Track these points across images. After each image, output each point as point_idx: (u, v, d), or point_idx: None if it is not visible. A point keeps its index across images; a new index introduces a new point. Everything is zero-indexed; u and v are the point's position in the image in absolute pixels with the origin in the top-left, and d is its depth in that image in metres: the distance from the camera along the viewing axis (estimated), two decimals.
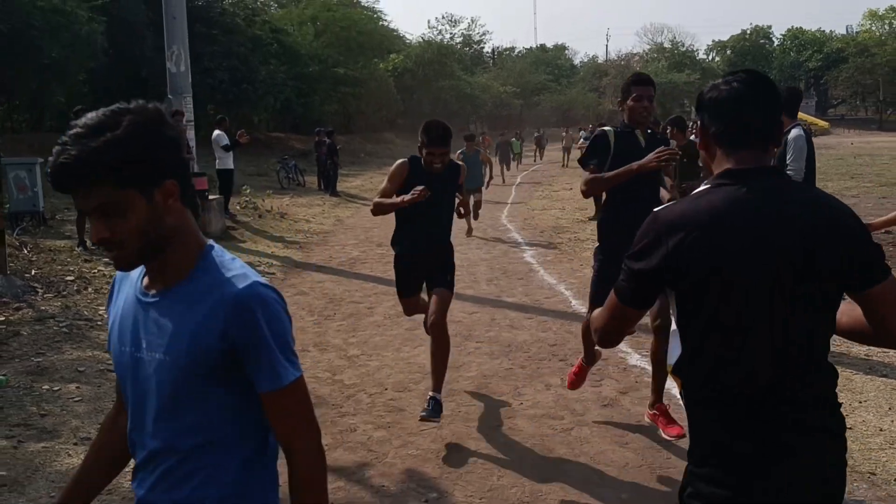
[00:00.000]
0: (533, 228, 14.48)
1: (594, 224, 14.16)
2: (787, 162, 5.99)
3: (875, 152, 35.89)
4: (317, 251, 12.38)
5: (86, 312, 7.46)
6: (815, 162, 6.26)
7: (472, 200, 15.22)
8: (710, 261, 1.68)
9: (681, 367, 1.82)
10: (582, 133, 33.07)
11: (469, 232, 13.22)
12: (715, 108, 1.81)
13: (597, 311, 2.01)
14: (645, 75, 4.77)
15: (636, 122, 4.55)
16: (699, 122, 1.87)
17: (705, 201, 1.74)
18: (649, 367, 6.06)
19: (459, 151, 12.60)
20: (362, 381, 5.96)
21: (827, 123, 69.54)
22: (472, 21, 69.38)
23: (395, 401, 5.50)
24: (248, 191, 16.61)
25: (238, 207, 15.47)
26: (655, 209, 1.80)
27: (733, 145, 1.78)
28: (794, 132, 6.08)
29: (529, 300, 8.59)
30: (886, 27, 77.36)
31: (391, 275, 9.88)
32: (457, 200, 5.36)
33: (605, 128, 4.83)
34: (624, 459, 4.46)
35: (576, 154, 34.15)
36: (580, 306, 8.21)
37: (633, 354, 6.47)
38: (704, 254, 1.68)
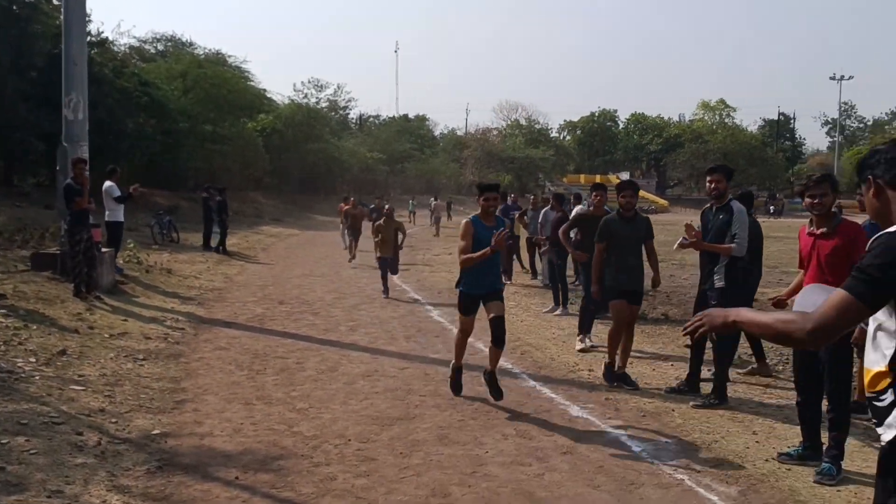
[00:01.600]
0: (429, 289, 14.80)
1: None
2: (735, 231, 6.75)
3: None
4: (218, 307, 12.10)
5: (2, 364, 7.00)
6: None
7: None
8: None
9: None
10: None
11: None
12: (888, 161, 2.37)
13: (818, 310, 2.26)
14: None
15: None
16: (871, 178, 2.38)
17: None
18: (592, 418, 6.46)
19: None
20: (322, 432, 5.97)
21: (666, 202, 75.11)
22: (339, 87, 69.75)
23: (364, 451, 5.56)
24: (132, 245, 15.97)
25: (121, 261, 14.85)
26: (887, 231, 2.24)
27: None
28: (737, 206, 6.90)
29: (454, 357, 8.82)
30: (717, 117, 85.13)
31: (305, 331, 10.01)
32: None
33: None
34: (602, 500, 4.76)
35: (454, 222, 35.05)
36: (503, 362, 8.54)
37: (573, 406, 6.84)
38: None
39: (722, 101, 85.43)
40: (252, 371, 7.92)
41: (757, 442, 5.90)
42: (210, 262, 18.20)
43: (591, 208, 9.43)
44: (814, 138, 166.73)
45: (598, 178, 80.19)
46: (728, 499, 4.80)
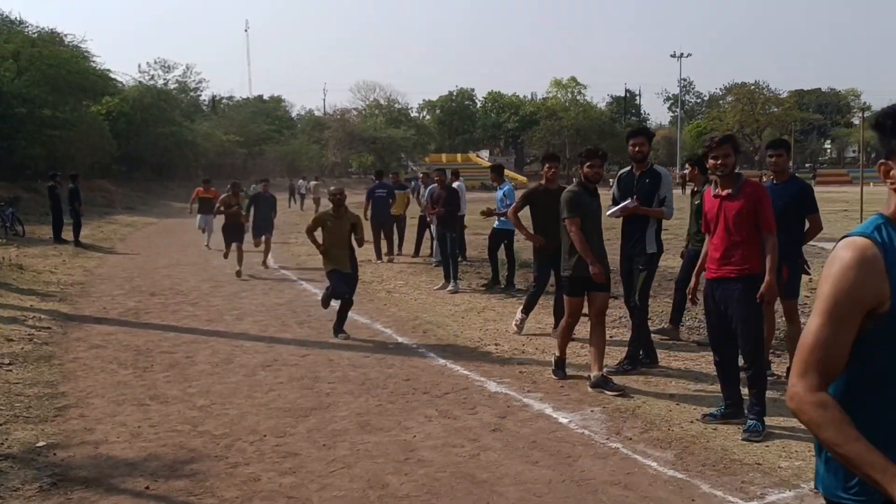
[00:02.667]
0: (312, 270, 14.26)
1: (378, 266, 14.17)
2: (664, 195, 6.82)
3: None
4: (84, 303, 11.10)
5: None
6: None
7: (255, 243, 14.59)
8: None
9: None
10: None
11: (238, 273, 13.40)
12: None
13: None
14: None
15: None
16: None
17: None
18: (512, 392, 6.32)
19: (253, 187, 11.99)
20: (232, 429, 5.50)
21: (525, 178, 76.92)
22: (188, 68, 66.40)
23: (283, 446, 5.15)
24: None
25: None
26: None
27: None
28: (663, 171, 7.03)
29: (353, 340, 8.48)
30: (569, 94, 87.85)
31: (188, 323, 9.35)
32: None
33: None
34: (545, 476, 4.61)
35: (316, 205, 34.01)
36: (407, 341, 8.29)
37: (490, 382, 6.68)
38: None
39: (573, 79, 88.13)
40: (138, 369, 7.25)
41: (677, 404, 5.95)
42: (65, 255, 16.78)
43: (544, 182, 8.45)
44: (657, 113, 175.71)
45: (458, 158, 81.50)
46: (666, 463, 4.77)
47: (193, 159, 54.62)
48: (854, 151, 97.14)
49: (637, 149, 6.82)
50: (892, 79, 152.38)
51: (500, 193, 11.98)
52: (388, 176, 18.01)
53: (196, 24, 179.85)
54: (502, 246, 11.98)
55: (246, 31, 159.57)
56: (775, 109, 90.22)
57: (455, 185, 15.19)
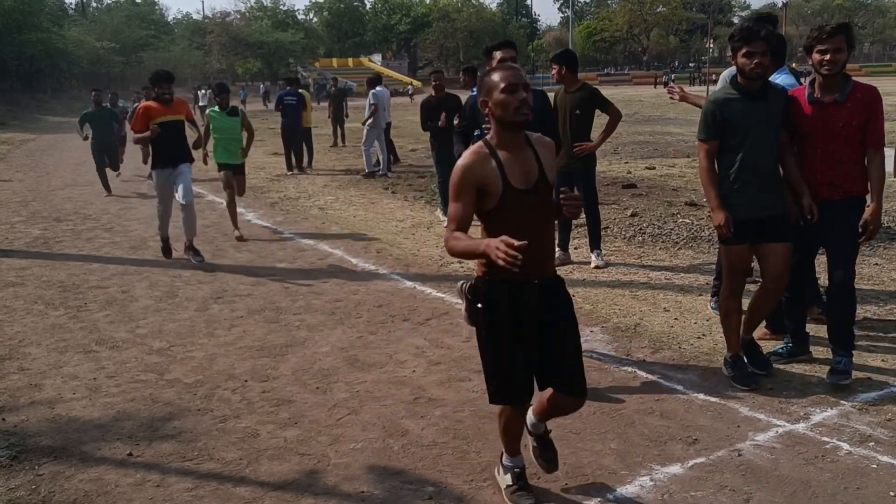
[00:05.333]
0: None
1: (300, 180, 13.41)
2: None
3: None
4: None
5: None
6: None
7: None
8: None
9: None
10: None
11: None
12: None
13: None
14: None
15: None
16: None
17: None
18: None
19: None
20: (204, 376, 4.88)
21: (420, 83, 75.36)
22: None
23: (271, 392, 4.60)
24: None
25: None
26: None
27: None
28: None
29: (307, 264, 7.85)
30: None
31: (109, 252, 8.46)
32: None
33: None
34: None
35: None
36: (363, 263, 7.74)
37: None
38: None
39: None
40: (70, 308, 6.43)
41: (676, 319, 5.70)
42: None
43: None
44: (547, 14, 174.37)
45: (350, 62, 78.75)
46: (693, 386, 4.50)
47: (67, 69, 50.49)
48: None
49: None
50: None
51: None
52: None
53: None
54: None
55: None
56: (662, 9, 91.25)
57: (375, 91, 14.45)
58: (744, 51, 4.12)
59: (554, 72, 6.93)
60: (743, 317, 4.56)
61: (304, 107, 15.54)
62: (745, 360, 4.55)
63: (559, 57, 6.99)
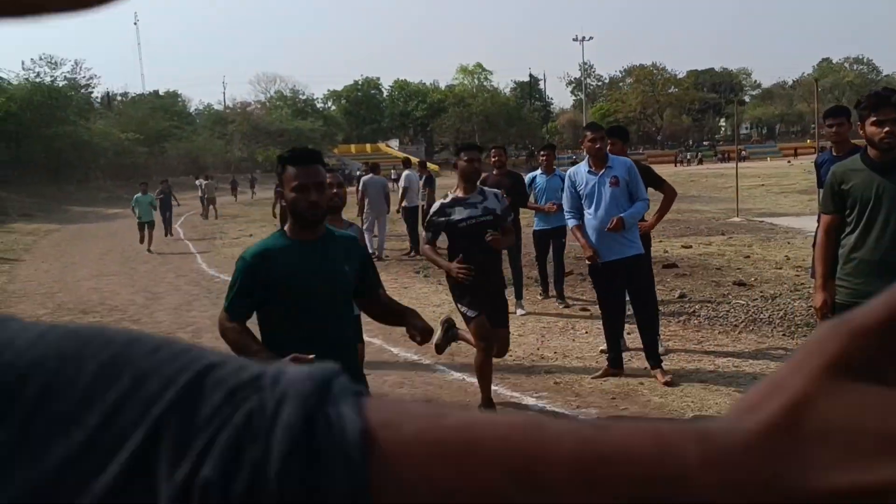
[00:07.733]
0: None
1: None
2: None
3: None
4: None
5: None
6: None
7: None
8: None
9: None
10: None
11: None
12: None
13: None
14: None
15: None
16: None
17: None
18: (558, 409, 5.56)
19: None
20: None
21: (437, 166, 76.35)
22: (77, 63, 62.11)
23: None
24: None
25: None
26: None
27: None
28: None
29: None
30: (476, 81, 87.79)
31: None
32: None
33: None
34: None
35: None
36: (406, 353, 7.35)
37: (526, 397, 5.82)
38: None
39: (479, 65, 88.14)
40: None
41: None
42: None
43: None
44: (560, 97, 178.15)
45: (368, 148, 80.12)
46: None
47: (92, 160, 51.43)
48: (747, 128, 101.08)
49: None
50: (780, 59, 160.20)
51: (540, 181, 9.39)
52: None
53: (81, 19, 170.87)
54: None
55: (135, 23, 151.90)
56: (674, 90, 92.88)
57: (405, 174, 14.38)
58: (872, 119, 3.78)
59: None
60: None
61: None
62: None
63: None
